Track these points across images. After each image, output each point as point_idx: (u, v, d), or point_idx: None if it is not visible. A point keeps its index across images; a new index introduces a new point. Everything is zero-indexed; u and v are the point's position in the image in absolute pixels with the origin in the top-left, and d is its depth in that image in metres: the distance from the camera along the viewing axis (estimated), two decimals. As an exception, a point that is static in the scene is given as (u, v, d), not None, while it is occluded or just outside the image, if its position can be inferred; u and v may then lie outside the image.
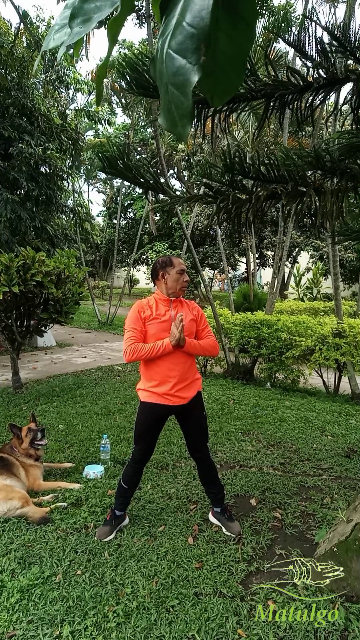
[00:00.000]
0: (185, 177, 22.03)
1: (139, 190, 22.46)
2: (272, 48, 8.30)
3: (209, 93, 0.53)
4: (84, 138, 10.88)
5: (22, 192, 7.34)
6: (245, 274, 18.86)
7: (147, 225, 20.58)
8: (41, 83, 8.30)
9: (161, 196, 2.77)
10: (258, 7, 7.05)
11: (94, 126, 14.15)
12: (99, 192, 30.49)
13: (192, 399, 2.40)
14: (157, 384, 2.37)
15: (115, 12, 0.54)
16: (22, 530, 2.50)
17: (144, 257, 21.20)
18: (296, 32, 2.07)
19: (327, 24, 1.97)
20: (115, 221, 19.74)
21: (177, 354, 2.33)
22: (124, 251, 23.77)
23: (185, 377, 2.37)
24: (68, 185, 9.50)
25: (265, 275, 21.65)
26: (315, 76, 2.15)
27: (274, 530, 2.56)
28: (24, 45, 7.78)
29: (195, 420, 2.47)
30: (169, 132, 0.58)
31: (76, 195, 10.84)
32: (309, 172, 2.42)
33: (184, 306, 2.46)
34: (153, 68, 0.53)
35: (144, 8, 8.57)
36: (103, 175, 23.54)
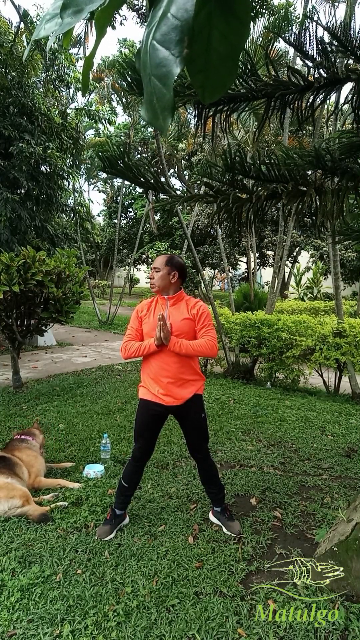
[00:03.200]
0: (186, 177, 22.02)
1: (139, 190, 22.47)
2: (273, 47, 8.29)
3: (201, 89, 0.53)
4: (85, 137, 10.87)
5: (23, 191, 7.33)
6: (246, 274, 18.86)
7: (148, 225, 20.58)
8: (41, 82, 8.29)
9: (162, 195, 2.77)
10: (258, 6, 7.03)
11: (94, 125, 14.14)
12: (99, 192, 30.52)
13: (187, 401, 2.37)
14: (150, 382, 2.40)
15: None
16: (22, 530, 2.50)
17: (145, 256, 21.19)
18: (296, 32, 2.07)
19: (328, 24, 1.97)
20: (115, 220, 19.74)
21: (168, 354, 2.32)
22: (124, 250, 23.76)
23: (178, 377, 2.35)
24: (68, 185, 9.49)
25: (266, 274, 21.64)
26: (315, 76, 2.15)
27: (274, 529, 2.56)
28: (24, 44, 7.77)
29: (194, 422, 2.47)
30: (150, 125, 0.59)
31: (76, 194, 10.83)
32: (310, 172, 2.42)
33: (180, 304, 2.42)
34: (137, 59, 0.53)
35: (144, 7, 8.56)
36: (104, 175, 23.54)
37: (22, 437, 3.16)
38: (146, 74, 0.49)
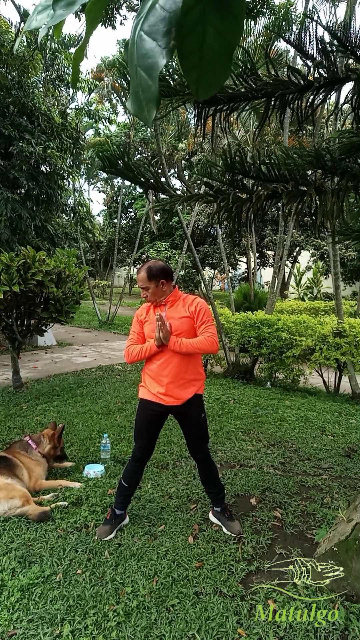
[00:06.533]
0: (186, 177, 22.00)
1: (139, 190, 22.46)
2: (273, 47, 8.29)
3: (195, 86, 0.53)
4: (85, 137, 10.86)
5: (23, 191, 7.33)
6: (246, 274, 18.85)
7: (148, 225, 20.58)
8: (41, 82, 8.29)
9: (162, 195, 2.76)
10: (259, 6, 7.02)
11: (94, 125, 14.13)
12: (99, 192, 30.49)
13: (187, 401, 2.37)
14: (151, 382, 2.41)
15: None
16: (22, 530, 2.50)
17: (145, 256, 21.20)
18: (297, 31, 2.06)
19: (328, 23, 1.97)
20: (115, 220, 19.73)
21: (169, 354, 2.33)
22: (124, 250, 23.76)
23: (179, 377, 2.35)
24: (69, 184, 9.48)
25: (266, 274, 21.63)
26: (316, 75, 2.14)
27: (274, 529, 2.56)
28: (25, 44, 7.76)
29: (194, 422, 2.47)
30: (136, 117, 0.60)
31: (77, 194, 10.83)
32: (310, 172, 2.42)
33: (178, 303, 2.42)
34: (125, 51, 0.53)
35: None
36: (104, 175, 23.52)
37: (29, 442, 3.14)
38: (133, 65, 0.49)
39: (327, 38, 2.00)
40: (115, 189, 26.01)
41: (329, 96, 2.29)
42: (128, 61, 0.51)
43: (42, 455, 3.10)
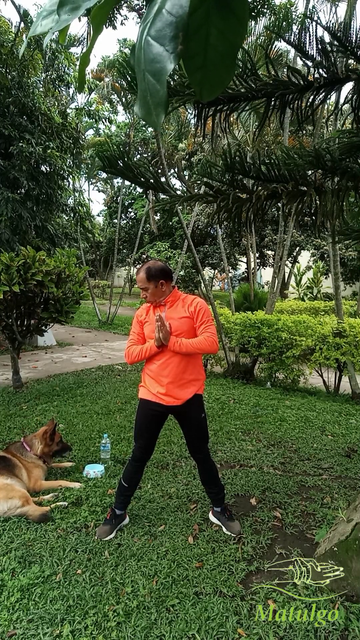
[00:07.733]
0: (186, 177, 21.99)
1: (139, 190, 22.45)
2: (273, 47, 8.29)
3: (199, 87, 0.53)
4: (85, 137, 10.86)
5: (23, 191, 7.33)
6: (246, 274, 18.85)
7: (148, 225, 20.57)
8: (41, 82, 8.28)
9: (162, 195, 2.76)
10: (260, 6, 7.03)
11: (94, 125, 14.13)
12: (99, 192, 30.47)
13: (187, 401, 2.38)
14: (151, 382, 2.41)
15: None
16: (22, 530, 2.50)
17: (145, 256, 21.19)
18: (297, 32, 2.06)
19: (328, 23, 1.96)
20: (115, 220, 19.72)
21: (169, 354, 2.33)
22: (124, 250, 23.76)
23: (179, 377, 2.36)
24: (69, 184, 9.48)
25: (266, 274, 21.62)
26: (315, 76, 2.14)
27: (274, 529, 2.56)
28: (25, 44, 7.74)
29: (194, 422, 2.47)
30: (144, 121, 0.60)
31: (77, 194, 10.82)
32: (310, 172, 2.42)
33: (177, 303, 2.42)
34: (132, 56, 0.53)
35: (145, 7, 8.55)
36: (104, 175, 23.53)
37: (24, 444, 3.13)
38: (140, 70, 0.49)
39: (327, 38, 2.00)
40: (115, 189, 26.02)
41: (329, 96, 2.29)
42: (135, 66, 0.51)
43: (37, 457, 3.08)
